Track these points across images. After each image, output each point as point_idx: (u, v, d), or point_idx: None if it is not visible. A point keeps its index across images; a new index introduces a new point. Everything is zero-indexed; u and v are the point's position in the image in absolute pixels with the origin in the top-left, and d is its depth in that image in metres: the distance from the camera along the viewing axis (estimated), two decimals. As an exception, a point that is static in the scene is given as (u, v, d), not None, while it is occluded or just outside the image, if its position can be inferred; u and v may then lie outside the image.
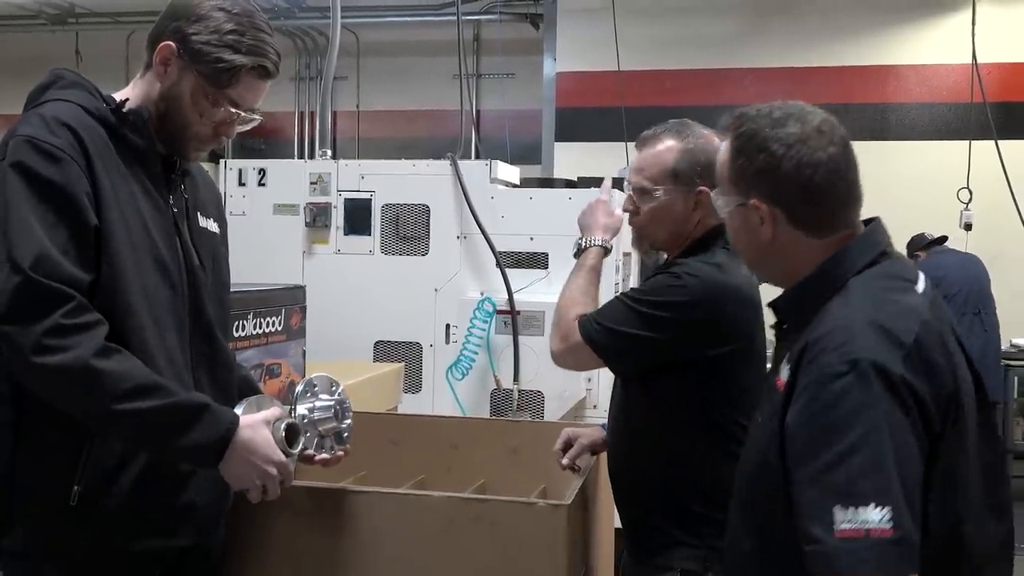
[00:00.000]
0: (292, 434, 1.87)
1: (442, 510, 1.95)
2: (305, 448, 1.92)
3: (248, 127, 1.94)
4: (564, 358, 2.32)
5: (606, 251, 2.48)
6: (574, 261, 3.66)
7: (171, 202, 1.92)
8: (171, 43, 1.83)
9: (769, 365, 1.84)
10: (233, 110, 1.86)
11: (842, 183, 1.65)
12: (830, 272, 1.64)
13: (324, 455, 1.97)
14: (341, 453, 2.01)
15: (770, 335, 1.96)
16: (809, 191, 1.63)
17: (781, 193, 1.64)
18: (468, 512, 1.94)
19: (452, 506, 1.96)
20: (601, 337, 2.20)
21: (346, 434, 2.03)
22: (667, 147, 2.29)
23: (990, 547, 1.62)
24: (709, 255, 2.25)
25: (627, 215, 2.37)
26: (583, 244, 2.48)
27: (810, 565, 1.45)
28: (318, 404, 2.00)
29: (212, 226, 2.06)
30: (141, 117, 1.85)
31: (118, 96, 1.87)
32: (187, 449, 1.73)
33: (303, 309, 2.90)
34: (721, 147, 1.75)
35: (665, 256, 2.46)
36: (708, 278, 2.19)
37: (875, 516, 1.40)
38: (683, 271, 2.20)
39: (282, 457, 1.81)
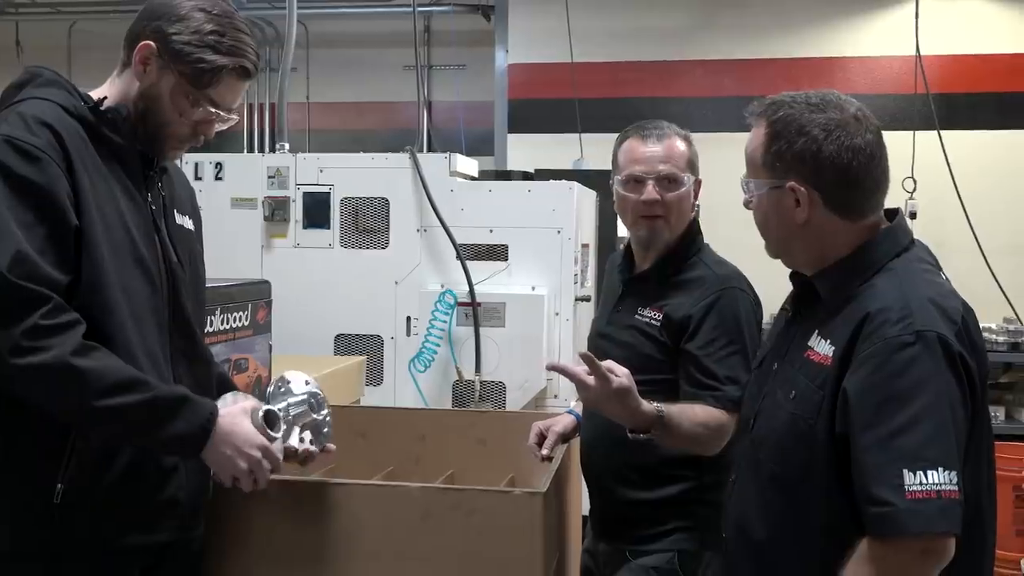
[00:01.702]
0: (271, 420, 1.90)
1: (420, 500, 1.98)
2: (287, 438, 1.95)
3: (226, 126, 1.95)
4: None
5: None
6: (533, 253, 3.77)
7: (149, 200, 1.93)
8: (151, 43, 1.84)
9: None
10: (213, 110, 1.87)
11: (876, 169, 1.73)
12: (872, 253, 1.73)
13: (309, 447, 2.00)
14: (332, 447, 2.05)
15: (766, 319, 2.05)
16: (848, 175, 1.71)
17: (821, 176, 1.71)
18: (446, 501, 1.97)
19: (430, 496, 1.99)
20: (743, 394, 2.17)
21: (325, 429, 2.06)
22: (680, 139, 2.44)
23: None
24: (720, 262, 2.45)
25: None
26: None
27: (875, 527, 1.53)
28: (292, 400, 2.03)
29: (188, 223, 2.07)
30: (120, 115, 1.86)
31: (96, 94, 1.88)
32: (170, 440, 1.75)
33: (268, 304, 2.90)
34: (752, 132, 1.80)
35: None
36: (739, 276, 2.42)
37: (943, 478, 1.49)
38: (729, 286, 2.36)
39: (265, 440, 1.84)
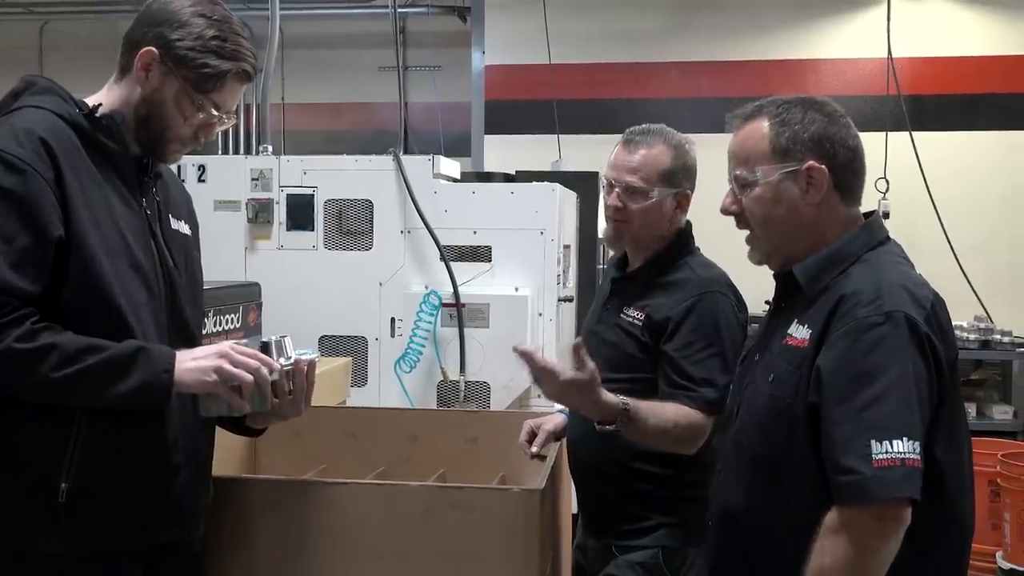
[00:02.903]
0: (267, 351, 1.89)
1: (420, 498, 2.01)
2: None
3: (224, 128, 1.99)
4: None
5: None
6: (516, 254, 3.79)
7: (144, 205, 1.95)
8: (153, 49, 1.86)
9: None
10: (215, 113, 1.90)
11: (863, 159, 1.86)
12: (850, 245, 1.81)
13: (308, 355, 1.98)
14: (314, 355, 2.00)
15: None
16: (855, 157, 1.83)
17: (836, 157, 1.81)
18: (445, 499, 2.01)
19: (430, 494, 2.02)
20: (720, 396, 2.22)
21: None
22: (660, 150, 2.43)
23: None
24: (707, 266, 2.46)
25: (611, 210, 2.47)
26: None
27: (843, 495, 1.61)
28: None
29: (184, 228, 2.09)
30: (115, 121, 1.88)
31: (92, 100, 1.90)
32: (137, 391, 1.75)
33: (259, 306, 2.94)
34: (747, 129, 1.87)
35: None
36: (725, 281, 2.43)
37: (907, 447, 1.59)
38: (710, 290, 2.38)
39: (225, 344, 1.84)
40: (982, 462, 4.73)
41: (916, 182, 6.22)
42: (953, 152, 6.71)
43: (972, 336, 6.10)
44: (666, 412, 2.24)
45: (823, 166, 1.79)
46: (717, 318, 2.35)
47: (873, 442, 1.59)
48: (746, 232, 1.92)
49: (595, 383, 2.08)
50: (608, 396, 2.12)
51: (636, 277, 2.49)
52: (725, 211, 1.91)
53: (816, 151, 1.80)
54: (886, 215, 6.26)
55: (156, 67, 1.87)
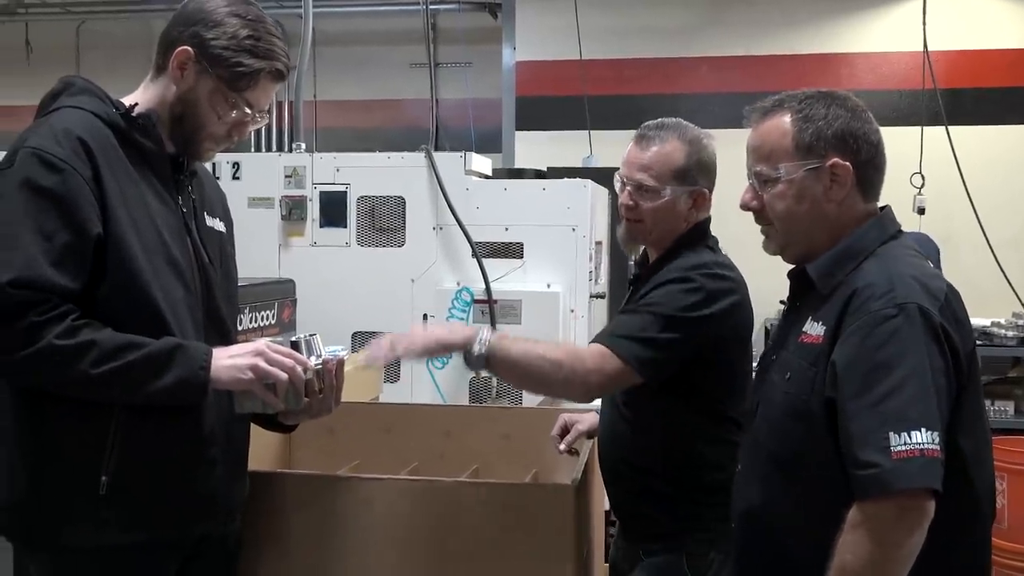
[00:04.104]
0: (296, 349, 1.92)
1: (452, 494, 2.02)
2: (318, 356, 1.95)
3: (257, 127, 2.01)
4: (609, 386, 2.23)
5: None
6: (548, 251, 3.73)
7: (180, 202, 1.97)
8: (188, 48, 1.89)
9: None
10: (248, 111, 1.93)
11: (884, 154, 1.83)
12: (863, 240, 1.80)
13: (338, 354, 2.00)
14: (344, 353, 2.02)
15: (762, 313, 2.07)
16: (878, 153, 1.81)
17: (859, 153, 1.79)
18: (477, 495, 2.02)
19: (462, 490, 2.04)
20: (644, 351, 2.16)
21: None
22: (674, 147, 2.33)
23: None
24: (698, 254, 2.33)
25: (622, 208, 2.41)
26: (479, 347, 2.17)
27: (863, 489, 1.59)
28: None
29: (219, 225, 2.11)
30: (151, 120, 1.91)
31: (128, 100, 1.93)
32: (175, 387, 1.78)
33: (294, 302, 2.96)
34: (767, 124, 1.84)
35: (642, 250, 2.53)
36: (724, 274, 2.28)
37: (926, 438, 1.57)
38: (695, 274, 2.24)
39: (260, 342, 1.86)
40: (1019, 461, 4.69)
41: (952, 176, 6.12)
42: (989, 146, 6.63)
43: (1010, 333, 6.00)
44: (543, 346, 2.18)
45: (847, 163, 1.78)
46: (670, 291, 2.24)
47: (891, 434, 1.57)
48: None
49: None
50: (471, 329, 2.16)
51: (646, 275, 2.44)
52: (745, 207, 1.89)
53: (840, 147, 1.78)
54: (921, 210, 6.21)
55: (191, 66, 1.90)
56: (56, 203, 1.74)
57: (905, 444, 1.56)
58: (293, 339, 1.96)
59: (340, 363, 1.98)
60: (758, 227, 1.94)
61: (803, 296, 1.88)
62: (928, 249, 6.01)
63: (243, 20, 1.91)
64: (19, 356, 1.69)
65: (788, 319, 1.92)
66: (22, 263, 1.70)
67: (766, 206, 1.85)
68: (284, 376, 1.83)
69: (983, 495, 1.75)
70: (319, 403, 1.94)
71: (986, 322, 5.94)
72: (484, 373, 2.57)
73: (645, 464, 2.33)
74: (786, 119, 1.82)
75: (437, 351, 2.22)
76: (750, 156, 1.88)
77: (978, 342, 6.32)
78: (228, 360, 1.82)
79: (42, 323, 1.70)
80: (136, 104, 1.92)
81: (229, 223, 2.18)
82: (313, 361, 1.91)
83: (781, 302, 1.98)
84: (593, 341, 2.28)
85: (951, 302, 1.71)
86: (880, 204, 1.87)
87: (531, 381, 2.25)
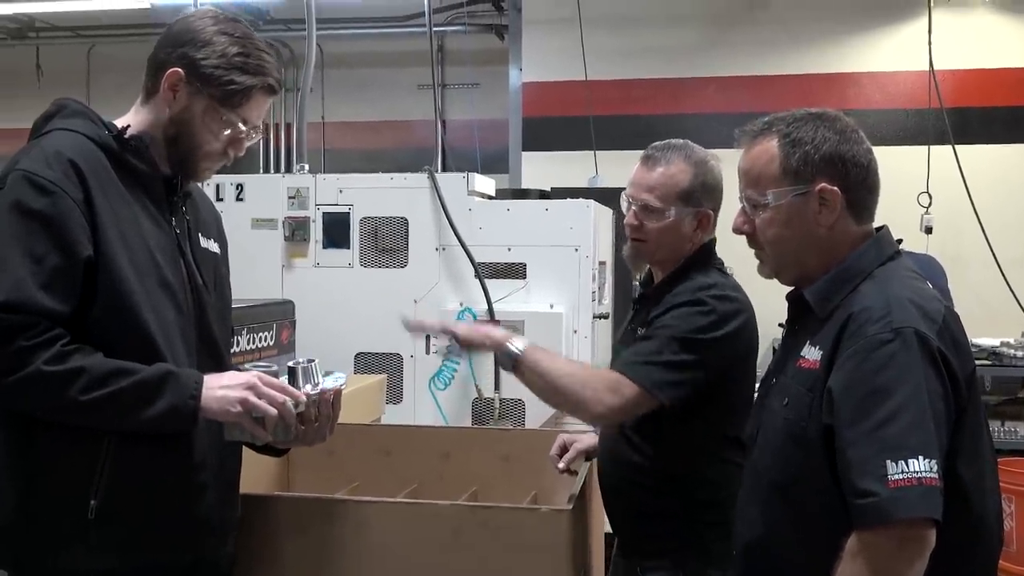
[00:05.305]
0: (293, 377, 1.91)
1: (449, 517, 2.00)
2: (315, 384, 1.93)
3: (252, 142, 2.01)
4: (627, 410, 2.22)
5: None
6: (551, 271, 3.74)
7: (173, 224, 1.97)
8: (179, 69, 1.89)
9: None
10: (243, 127, 1.93)
11: (877, 175, 1.81)
12: (859, 262, 1.77)
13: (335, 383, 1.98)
14: (342, 380, 2.00)
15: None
16: (868, 175, 1.78)
17: (848, 176, 1.76)
18: (474, 519, 2.00)
19: (459, 513, 2.01)
20: (658, 373, 2.18)
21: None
22: (679, 168, 2.36)
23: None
24: (707, 275, 2.34)
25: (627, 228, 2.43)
26: (515, 348, 2.23)
27: (861, 519, 1.56)
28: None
29: (213, 246, 2.11)
30: (143, 143, 1.92)
31: (120, 123, 1.93)
32: (164, 415, 1.76)
33: (293, 323, 2.95)
34: (756, 149, 1.82)
35: (647, 269, 2.53)
36: (733, 295, 2.30)
37: (924, 466, 1.53)
38: (706, 296, 2.26)
39: (252, 374, 1.85)
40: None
41: (959, 196, 6.10)
42: (996, 164, 6.59)
43: (1020, 353, 5.95)
44: (570, 364, 2.28)
45: (835, 187, 1.75)
46: (683, 313, 2.26)
47: (888, 462, 1.54)
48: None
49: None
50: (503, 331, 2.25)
51: (653, 295, 2.45)
52: (737, 230, 1.87)
53: (828, 171, 1.75)
54: (929, 229, 6.18)
55: (183, 87, 1.90)
56: (46, 226, 1.74)
57: (903, 472, 1.53)
58: (291, 364, 1.95)
59: (337, 393, 1.97)
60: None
61: (801, 320, 1.86)
62: (934, 271, 5.97)
63: (231, 38, 1.91)
64: (7, 381, 1.68)
65: (787, 343, 1.90)
66: (11, 286, 1.69)
67: (757, 231, 1.83)
68: (273, 412, 1.82)
69: (985, 520, 1.71)
70: (313, 432, 1.93)
71: (995, 342, 5.89)
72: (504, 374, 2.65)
73: (646, 482, 2.33)
74: (773, 143, 1.79)
75: (479, 341, 2.27)
76: (741, 180, 1.87)
77: (987, 362, 6.26)
78: (219, 391, 1.81)
79: (31, 348, 1.69)
80: (128, 126, 1.92)
81: (224, 244, 2.18)
82: (309, 389, 1.90)
83: (780, 325, 1.96)
84: (611, 369, 2.29)
85: (949, 324, 1.68)
86: (877, 224, 1.85)
87: (552, 393, 2.25)
